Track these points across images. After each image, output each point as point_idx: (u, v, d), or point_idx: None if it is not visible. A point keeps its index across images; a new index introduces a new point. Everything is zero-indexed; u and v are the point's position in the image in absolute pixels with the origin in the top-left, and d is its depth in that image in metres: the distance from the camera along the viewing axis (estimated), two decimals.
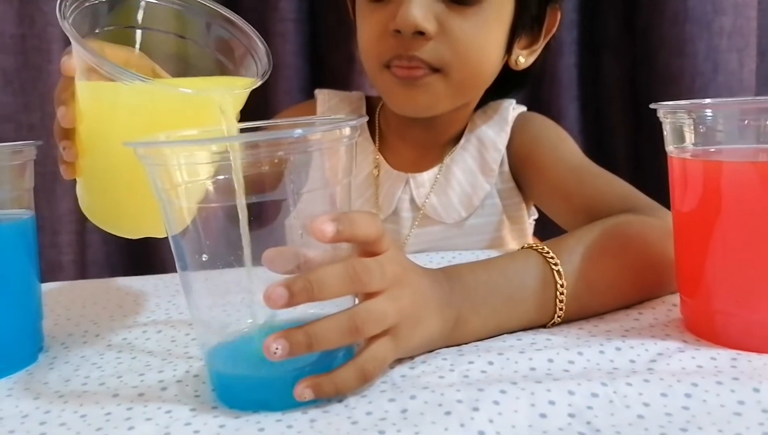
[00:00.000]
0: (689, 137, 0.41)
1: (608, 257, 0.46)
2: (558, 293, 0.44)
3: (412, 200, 0.72)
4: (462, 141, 0.72)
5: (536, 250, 0.46)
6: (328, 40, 1.19)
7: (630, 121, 1.17)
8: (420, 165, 0.73)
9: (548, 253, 0.45)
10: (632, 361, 0.38)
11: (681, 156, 0.41)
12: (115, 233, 0.48)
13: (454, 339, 0.41)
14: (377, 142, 0.76)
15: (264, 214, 0.36)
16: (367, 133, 0.76)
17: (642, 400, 0.33)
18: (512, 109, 0.73)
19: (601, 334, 0.42)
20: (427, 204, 0.72)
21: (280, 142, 0.33)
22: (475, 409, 0.33)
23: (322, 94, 0.79)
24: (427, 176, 0.72)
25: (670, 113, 0.42)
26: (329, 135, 0.35)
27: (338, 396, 0.35)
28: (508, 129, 0.71)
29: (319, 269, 0.34)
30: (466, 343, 0.42)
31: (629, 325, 0.44)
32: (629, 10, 1.14)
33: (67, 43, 0.44)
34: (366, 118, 0.38)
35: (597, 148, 1.18)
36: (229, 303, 0.38)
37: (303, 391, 0.34)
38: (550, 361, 0.38)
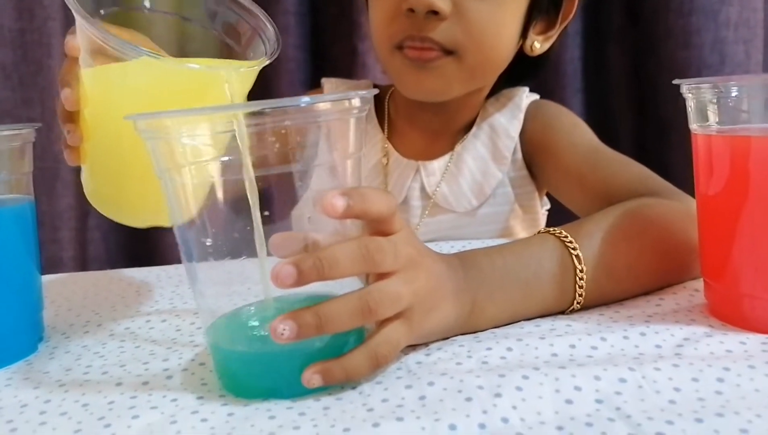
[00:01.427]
0: (713, 114, 0.40)
1: (628, 241, 0.44)
2: (577, 279, 0.42)
3: (423, 189, 0.71)
4: (474, 129, 0.71)
5: (553, 234, 0.44)
6: (330, 34, 1.18)
7: (635, 114, 1.16)
8: (430, 153, 0.71)
9: (566, 237, 0.43)
10: (658, 347, 0.36)
11: (706, 133, 0.40)
12: (120, 221, 0.47)
13: (469, 326, 0.40)
14: (386, 130, 0.74)
15: (273, 196, 0.34)
16: (375, 122, 0.75)
17: (672, 385, 0.32)
18: (525, 96, 0.71)
19: (623, 320, 0.41)
20: (437, 192, 0.70)
21: (287, 110, 0.32)
22: (498, 395, 0.31)
23: (329, 83, 0.78)
24: (437, 164, 0.71)
25: (693, 90, 0.40)
26: (338, 105, 0.34)
27: (349, 382, 0.33)
28: (521, 116, 0.70)
29: (329, 247, 0.33)
30: (482, 331, 0.40)
31: (651, 310, 0.42)
32: (634, 1, 1.13)
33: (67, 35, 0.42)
34: (376, 91, 0.37)
35: (602, 139, 1.16)
36: (235, 292, 0.36)
37: (311, 377, 0.32)
38: (572, 346, 0.37)
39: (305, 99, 0.32)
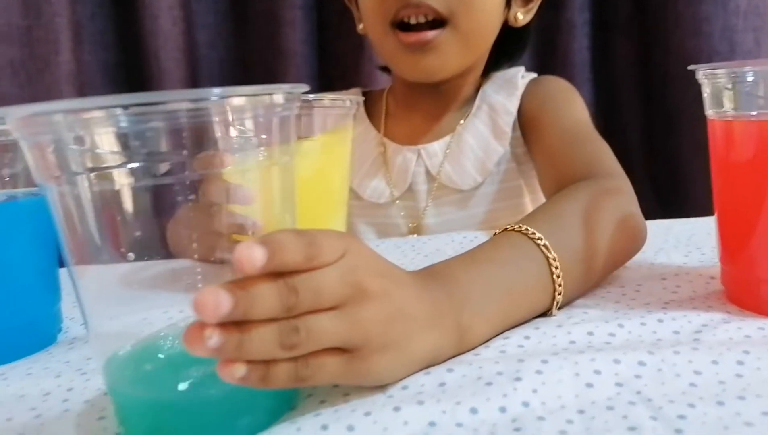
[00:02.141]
0: (729, 100, 0.39)
1: (582, 223, 0.43)
2: (552, 269, 0.39)
3: (427, 172, 0.72)
4: (474, 109, 0.73)
5: (516, 230, 0.41)
6: (336, 28, 1.18)
7: (643, 103, 1.15)
8: (431, 136, 0.73)
9: (527, 229, 0.40)
10: (676, 332, 0.36)
11: (722, 119, 0.40)
12: None
13: (463, 348, 0.35)
14: (383, 126, 0.76)
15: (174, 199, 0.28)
16: (368, 123, 0.77)
17: (692, 368, 0.32)
18: (521, 76, 0.74)
19: (639, 307, 0.40)
20: (441, 172, 0.72)
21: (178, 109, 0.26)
22: (517, 380, 0.31)
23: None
24: (438, 146, 0.73)
25: (709, 75, 0.40)
26: (258, 101, 0.28)
27: (262, 387, 0.27)
28: (518, 93, 0.72)
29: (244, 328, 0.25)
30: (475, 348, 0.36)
31: (668, 297, 0.42)
32: None
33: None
34: (304, 87, 0.31)
35: (610, 130, 1.16)
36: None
37: (212, 333, 0.25)
38: (590, 334, 0.37)
39: (216, 91, 0.26)
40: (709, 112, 0.41)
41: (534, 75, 0.75)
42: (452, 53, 0.65)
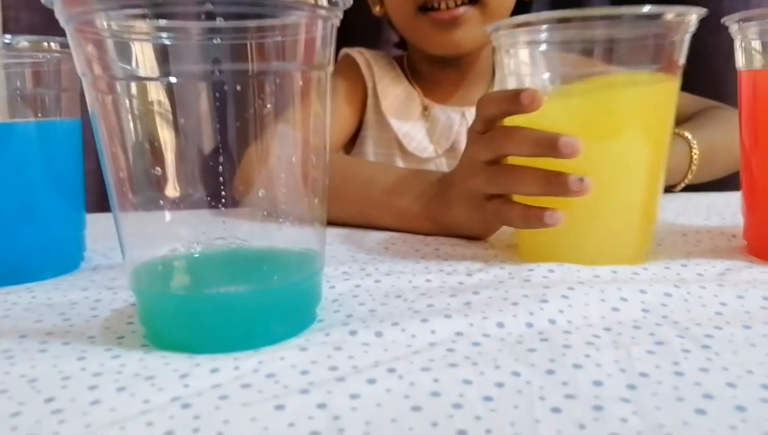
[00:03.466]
0: (760, 52, 0.40)
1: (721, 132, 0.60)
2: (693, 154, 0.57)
3: None
4: (497, 79, 0.75)
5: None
6: (354, 5, 1.18)
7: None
8: (466, 100, 0.76)
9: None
10: (700, 275, 0.37)
11: (752, 69, 0.40)
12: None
13: None
14: (417, 89, 0.78)
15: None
16: (407, 83, 0.78)
17: (718, 300, 0.32)
18: None
19: (663, 256, 0.41)
20: None
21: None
22: (544, 301, 0.31)
23: (353, 52, 0.79)
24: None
25: (742, 27, 0.40)
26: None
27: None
28: None
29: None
30: None
31: (690, 249, 0.42)
32: None
33: None
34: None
35: None
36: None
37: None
38: (614, 272, 0.37)
39: None
40: (739, 64, 0.41)
41: None
42: (478, 27, 0.68)
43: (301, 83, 0.29)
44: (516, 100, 0.37)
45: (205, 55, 0.29)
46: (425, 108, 0.77)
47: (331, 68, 0.31)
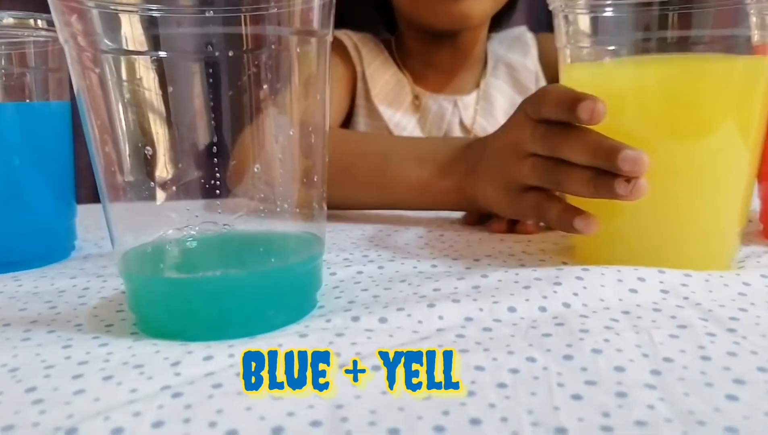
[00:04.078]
0: None
1: None
2: None
3: (461, 122, 0.73)
4: (489, 68, 0.75)
5: None
6: None
7: None
8: (459, 88, 0.74)
9: None
10: None
11: None
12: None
13: None
14: (407, 75, 0.75)
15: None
16: (395, 68, 0.75)
17: (741, 280, 0.30)
18: (527, 33, 0.78)
19: None
20: (476, 125, 0.73)
21: None
22: (557, 284, 0.30)
23: (340, 34, 0.76)
24: (469, 99, 0.74)
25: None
26: None
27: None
28: (534, 52, 0.76)
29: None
30: None
31: None
32: None
33: None
34: None
35: None
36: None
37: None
38: None
39: None
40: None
41: (531, 33, 0.79)
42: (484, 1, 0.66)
43: (298, 51, 0.28)
44: (573, 110, 0.32)
45: (198, 27, 0.27)
46: (416, 97, 0.74)
47: (330, 37, 0.29)
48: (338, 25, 0.80)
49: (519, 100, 0.71)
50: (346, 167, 0.49)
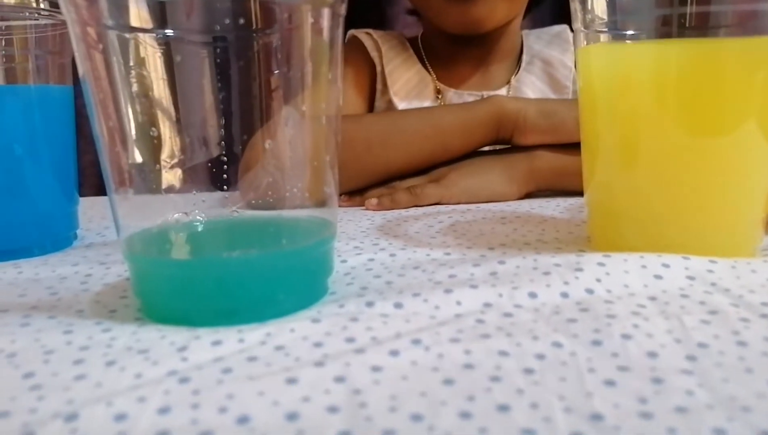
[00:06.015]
0: None
1: None
2: None
3: None
4: (523, 63, 0.73)
5: None
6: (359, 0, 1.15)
7: None
8: (487, 83, 0.72)
9: None
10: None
11: None
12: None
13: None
14: (431, 73, 0.73)
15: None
16: (419, 66, 0.74)
17: None
18: (568, 30, 0.75)
19: None
20: None
21: None
22: (579, 270, 0.28)
23: (360, 34, 0.75)
24: (497, 94, 0.71)
25: None
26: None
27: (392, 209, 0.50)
28: (573, 48, 0.72)
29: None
30: None
31: None
32: None
33: None
34: None
35: None
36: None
37: (370, 201, 0.50)
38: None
39: None
40: None
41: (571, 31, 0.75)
42: (499, 2, 0.64)
43: (311, 26, 0.26)
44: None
45: (206, 4, 0.26)
46: (438, 91, 0.72)
47: (343, 10, 0.28)
48: (367, 24, 0.80)
49: (551, 96, 0.72)
50: (390, 135, 0.55)
